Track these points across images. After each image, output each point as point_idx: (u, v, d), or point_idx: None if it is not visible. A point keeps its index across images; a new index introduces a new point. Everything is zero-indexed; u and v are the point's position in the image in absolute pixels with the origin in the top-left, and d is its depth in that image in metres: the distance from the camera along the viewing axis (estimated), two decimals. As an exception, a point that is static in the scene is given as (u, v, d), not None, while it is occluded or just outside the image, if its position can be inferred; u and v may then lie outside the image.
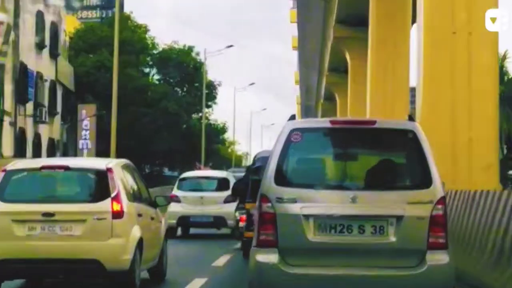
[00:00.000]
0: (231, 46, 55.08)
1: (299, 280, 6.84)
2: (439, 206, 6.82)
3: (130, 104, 43.97)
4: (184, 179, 20.65)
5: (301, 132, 7.10)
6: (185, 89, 53.22)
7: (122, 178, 9.19)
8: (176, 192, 19.40)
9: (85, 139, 41.55)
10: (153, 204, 10.42)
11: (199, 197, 19.20)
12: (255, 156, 15.82)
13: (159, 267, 10.53)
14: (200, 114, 52.77)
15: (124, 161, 10.12)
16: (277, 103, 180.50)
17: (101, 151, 36.58)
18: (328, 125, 7.29)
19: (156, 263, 10.37)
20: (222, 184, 19.60)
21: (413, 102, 18.52)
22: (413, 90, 19.70)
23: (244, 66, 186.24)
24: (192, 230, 20.12)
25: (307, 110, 69.25)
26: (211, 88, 53.89)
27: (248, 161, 76.88)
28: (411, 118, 7.45)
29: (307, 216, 6.84)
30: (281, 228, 6.85)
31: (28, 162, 11.16)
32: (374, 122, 7.29)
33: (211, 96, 54.18)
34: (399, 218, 6.80)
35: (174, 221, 18.20)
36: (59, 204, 8.82)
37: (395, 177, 7.33)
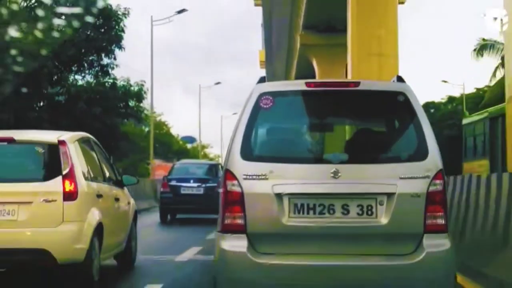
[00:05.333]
0: (183, 10, 39.51)
1: (271, 271, 5.97)
2: (437, 181, 6.00)
3: None
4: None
5: (272, 97, 6.30)
6: None
7: (78, 153, 8.14)
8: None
9: None
10: (119, 183, 9.64)
11: None
12: None
13: (126, 253, 9.83)
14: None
15: (81, 134, 9.02)
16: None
17: None
18: (304, 87, 6.42)
19: (123, 249, 9.62)
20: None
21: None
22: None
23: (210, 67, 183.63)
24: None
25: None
26: (111, 17, 26.96)
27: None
28: (401, 79, 6.53)
29: (280, 195, 6.03)
30: (249, 210, 6.06)
31: None
32: (358, 84, 6.39)
33: (114, 35, 27.04)
34: (390, 195, 5.98)
35: None
36: None
37: (384, 147, 6.46)
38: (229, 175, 6.08)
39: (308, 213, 6.00)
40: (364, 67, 22.91)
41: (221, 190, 6.33)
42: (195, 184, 21.01)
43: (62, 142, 7.89)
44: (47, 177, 7.74)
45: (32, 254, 7.51)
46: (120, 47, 27.54)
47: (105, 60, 27.77)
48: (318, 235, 5.99)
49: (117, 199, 9.33)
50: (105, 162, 9.42)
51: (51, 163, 7.82)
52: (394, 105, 6.30)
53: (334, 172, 5.97)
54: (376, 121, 6.72)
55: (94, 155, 9.00)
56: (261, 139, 6.34)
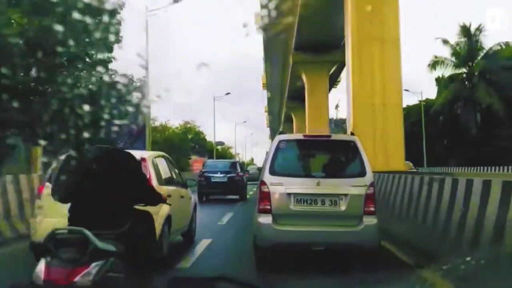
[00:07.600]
0: None
1: (284, 233, 8.88)
2: (371, 188, 8.94)
3: None
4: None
5: (285, 142, 9.40)
6: None
7: (154, 166, 9.67)
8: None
9: None
10: (184, 185, 11.74)
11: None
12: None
13: (189, 231, 12.02)
14: None
15: (158, 153, 10.93)
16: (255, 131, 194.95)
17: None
18: (302, 137, 9.59)
19: (187, 229, 11.73)
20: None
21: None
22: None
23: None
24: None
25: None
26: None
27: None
28: (353, 134, 9.92)
29: (289, 194, 8.93)
30: (273, 201, 8.93)
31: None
32: (330, 136, 9.62)
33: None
34: (346, 195, 8.87)
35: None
36: None
37: (343, 169, 9.44)
38: (263, 182, 9.07)
39: (303, 203, 8.86)
40: (365, 53, 21.13)
41: (257, 190, 9.29)
42: (221, 175, 27.77)
43: (143, 159, 9.36)
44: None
45: None
46: (118, 41, 22.57)
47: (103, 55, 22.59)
48: (309, 215, 8.84)
49: (182, 197, 11.17)
50: (174, 170, 11.30)
51: None
52: (348, 148, 9.39)
53: (317, 182, 8.94)
54: (339, 155, 9.60)
55: (166, 166, 10.78)
56: (279, 164, 9.20)
